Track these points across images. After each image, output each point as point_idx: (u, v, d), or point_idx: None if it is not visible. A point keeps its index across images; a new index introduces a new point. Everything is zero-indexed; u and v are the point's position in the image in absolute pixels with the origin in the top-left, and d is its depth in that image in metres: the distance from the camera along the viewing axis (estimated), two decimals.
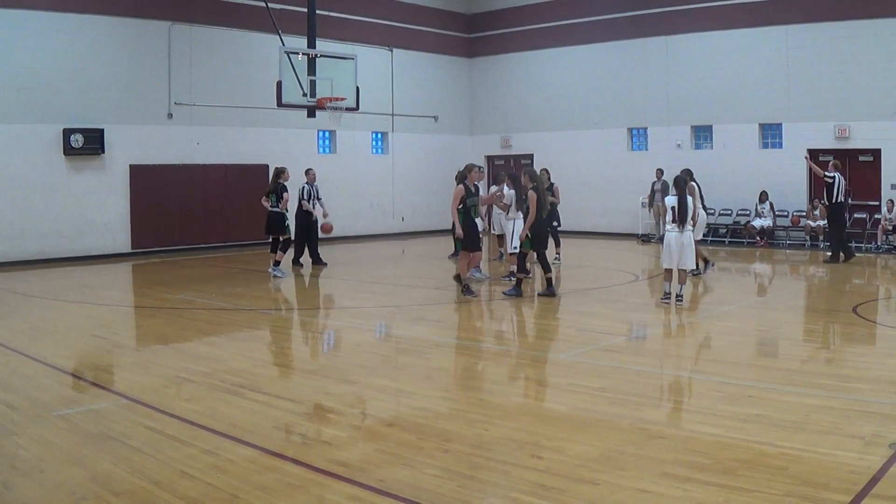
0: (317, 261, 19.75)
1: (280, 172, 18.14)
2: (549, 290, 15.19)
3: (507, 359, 10.82)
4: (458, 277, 15.37)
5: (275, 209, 17.90)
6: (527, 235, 14.88)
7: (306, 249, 19.71)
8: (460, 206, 15.00)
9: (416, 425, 7.42)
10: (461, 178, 15.51)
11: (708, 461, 6.28)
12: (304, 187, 19.31)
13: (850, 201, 23.68)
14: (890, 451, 6.36)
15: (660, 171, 25.57)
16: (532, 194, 14.79)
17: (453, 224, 15.65)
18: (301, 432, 7.44)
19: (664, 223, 14.11)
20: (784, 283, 17.98)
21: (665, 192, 24.53)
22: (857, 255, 20.73)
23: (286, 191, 17.89)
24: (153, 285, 17.77)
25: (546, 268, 15.29)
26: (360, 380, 9.46)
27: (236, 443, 6.91)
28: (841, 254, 19.96)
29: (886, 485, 5.75)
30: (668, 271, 13.91)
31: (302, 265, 19.54)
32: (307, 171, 19.41)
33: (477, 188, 16.85)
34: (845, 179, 20.37)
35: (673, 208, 13.67)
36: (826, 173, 19.80)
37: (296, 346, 12.13)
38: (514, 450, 6.69)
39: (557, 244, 19.92)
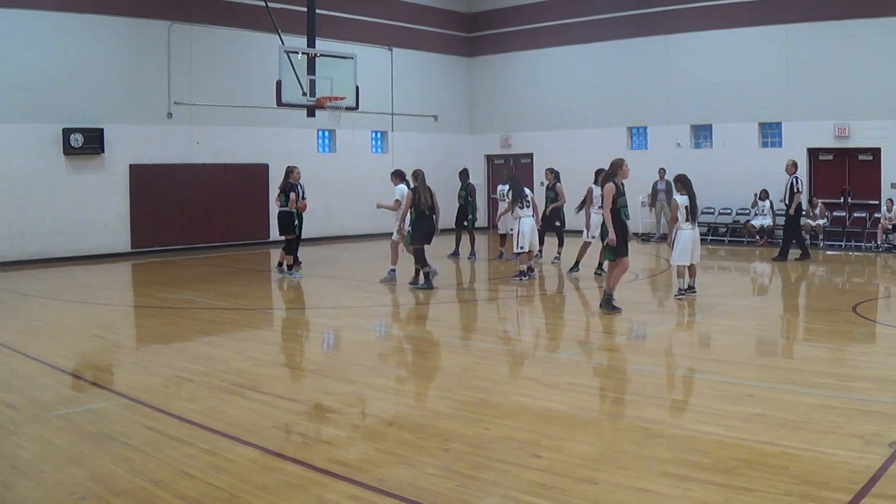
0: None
1: (289, 172, 18.10)
2: (427, 284, 15.96)
3: (507, 358, 10.82)
4: (607, 299, 13.10)
5: (284, 209, 17.84)
6: (408, 231, 15.91)
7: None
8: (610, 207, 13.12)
9: (416, 424, 7.43)
10: (610, 175, 13.36)
11: (708, 460, 6.28)
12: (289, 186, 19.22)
13: (850, 200, 23.75)
14: (890, 451, 6.36)
15: (662, 171, 25.54)
16: (409, 193, 15.72)
17: (602, 227, 13.24)
18: (301, 432, 7.43)
19: (677, 221, 14.22)
20: (783, 282, 17.98)
21: (669, 191, 24.59)
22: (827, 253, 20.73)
23: (294, 190, 17.85)
24: (153, 285, 17.77)
25: (423, 263, 16.05)
26: (360, 379, 9.46)
27: (236, 442, 6.91)
28: (798, 251, 20.06)
29: (886, 484, 5.75)
30: (684, 268, 14.14)
31: (300, 263, 19.58)
32: (293, 170, 19.01)
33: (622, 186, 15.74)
34: (802, 177, 20.30)
35: (686, 207, 13.94)
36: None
37: (296, 345, 12.12)
38: (514, 449, 6.69)
39: (560, 244, 19.93)
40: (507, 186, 18.50)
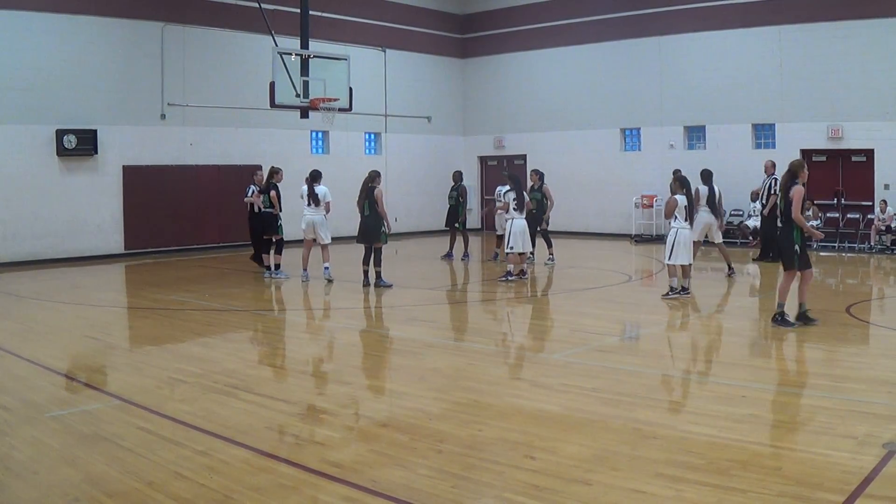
0: (258, 259, 19.75)
1: (274, 173, 18.16)
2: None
3: (501, 359, 10.83)
4: (804, 313, 11.92)
5: (268, 209, 17.90)
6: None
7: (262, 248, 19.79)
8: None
9: (410, 426, 7.42)
10: (792, 176, 11.82)
11: (701, 461, 6.29)
12: (252, 189, 19.27)
13: (843, 201, 23.79)
14: (883, 452, 6.37)
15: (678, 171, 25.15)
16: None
17: (782, 233, 11.85)
18: (294, 433, 7.43)
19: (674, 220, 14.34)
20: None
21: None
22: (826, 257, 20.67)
23: (274, 189, 17.89)
24: (146, 286, 17.74)
25: (365, 262, 16.64)
26: (354, 380, 9.47)
27: (229, 444, 6.91)
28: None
29: (879, 485, 5.76)
30: (678, 267, 14.25)
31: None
32: (257, 172, 19.51)
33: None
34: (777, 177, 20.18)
35: (685, 206, 14.06)
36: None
37: (289, 346, 12.10)
38: (507, 450, 6.69)
39: (549, 245, 19.99)
40: (506, 188, 18.52)
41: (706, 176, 16.89)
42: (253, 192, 18.87)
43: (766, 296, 15.86)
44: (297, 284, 17.27)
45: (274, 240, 18.12)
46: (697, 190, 16.70)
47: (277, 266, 18.01)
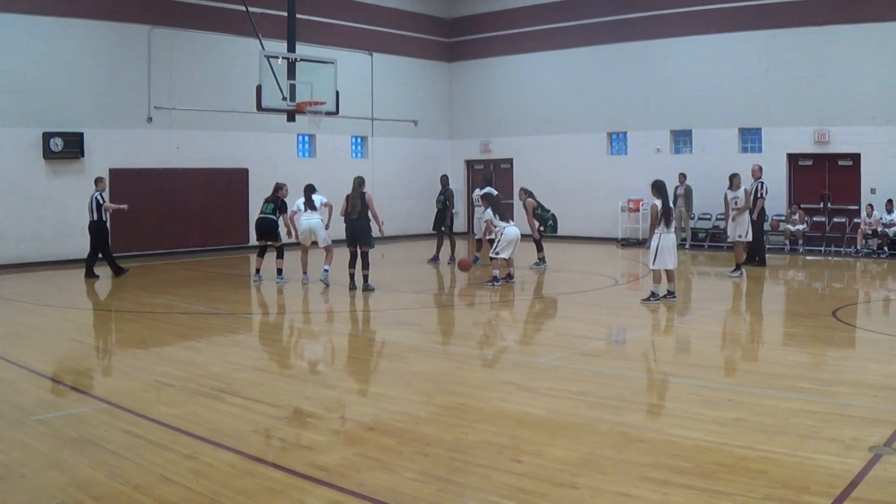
0: (117, 270, 19.24)
1: (280, 188, 18.04)
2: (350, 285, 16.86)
3: (487, 363, 10.83)
4: None
5: (269, 216, 17.76)
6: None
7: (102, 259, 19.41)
8: None
9: (396, 429, 7.42)
10: None
11: (688, 465, 6.30)
12: (96, 195, 19.00)
13: (829, 205, 23.88)
14: (869, 455, 6.40)
15: (682, 176, 25.09)
16: (344, 199, 16.55)
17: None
18: (281, 437, 7.42)
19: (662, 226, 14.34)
20: (763, 287, 18.04)
21: (688, 196, 24.68)
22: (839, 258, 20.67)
23: (286, 209, 17.74)
24: (132, 289, 17.66)
25: (351, 265, 16.73)
26: (340, 384, 9.46)
27: (216, 447, 6.89)
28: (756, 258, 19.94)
29: (866, 488, 5.78)
30: (661, 272, 14.26)
31: (98, 277, 19.11)
32: (99, 180, 19.28)
33: None
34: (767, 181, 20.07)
35: (669, 210, 14.16)
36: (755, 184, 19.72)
37: (275, 350, 12.09)
38: (493, 454, 6.69)
39: (540, 249, 19.97)
40: (482, 191, 18.64)
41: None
42: (96, 198, 18.73)
43: (752, 299, 15.92)
44: (285, 288, 17.25)
45: (273, 245, 18.00)
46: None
47: (280, 271, 17.93)
